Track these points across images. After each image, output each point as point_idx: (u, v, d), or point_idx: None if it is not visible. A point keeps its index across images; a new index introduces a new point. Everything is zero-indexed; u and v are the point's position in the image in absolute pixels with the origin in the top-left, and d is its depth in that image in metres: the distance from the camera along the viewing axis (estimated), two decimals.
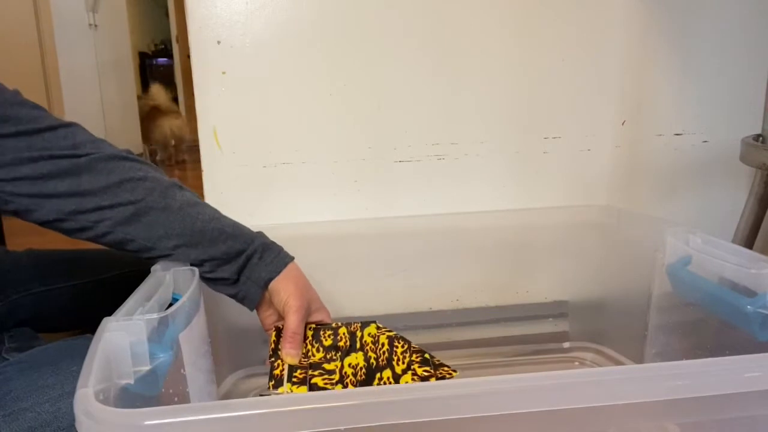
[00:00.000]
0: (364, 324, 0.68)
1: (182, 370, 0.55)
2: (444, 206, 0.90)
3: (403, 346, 0.64)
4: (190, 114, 3.78)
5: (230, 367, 0.85)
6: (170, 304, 0.55)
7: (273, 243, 0.67)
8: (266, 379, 0.75)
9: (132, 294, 0.54)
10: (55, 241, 0.97)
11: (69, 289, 0.92)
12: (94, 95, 2.67)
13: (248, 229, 0.66)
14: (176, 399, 0.53)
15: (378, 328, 0.68)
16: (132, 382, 0.45)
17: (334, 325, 0.69)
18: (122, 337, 0.46)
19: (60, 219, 0.58)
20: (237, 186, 0.87)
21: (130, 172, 0.59)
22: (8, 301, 0.87)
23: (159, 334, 0.50)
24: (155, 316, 0.50)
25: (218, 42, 0.82)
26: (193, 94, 0.84)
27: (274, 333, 0.67)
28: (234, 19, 0.81)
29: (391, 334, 0.67)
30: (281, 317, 0.66)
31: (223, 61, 0.82)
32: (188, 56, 0.84)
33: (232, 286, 0.65)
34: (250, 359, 0.86)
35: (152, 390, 0.48)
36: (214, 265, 0.63)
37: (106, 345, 0.45)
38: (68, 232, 0.59)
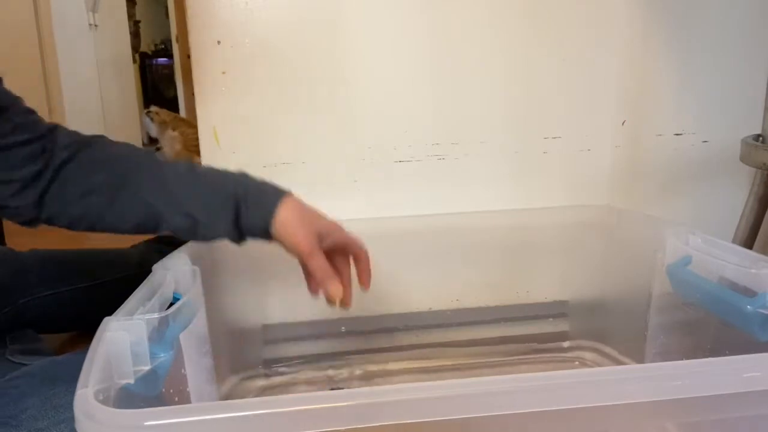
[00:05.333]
0: None
1: (183, 370, 0.55)
2: (444, 206, 0.90)
3: None
4: (190, 114, 3.77)
5: (230, 367, 0.85)
6: (171, 304, 0.55)
7: (257, 180, 0.64)
8: (266, 380, 0.75)
9: (133, 294, 0.54)
10: (57, 241, 0.97)
11: (75, 291, 0.92)
12: (94, 95, 2.67)
13: (227, 173, 0.64)
14: (177, 399, 0.53)
15: None
16: (132, 381, 0.45)
17: None
18: (123, 336, 0.46)
19: (50, 217, 0.60)
20: None
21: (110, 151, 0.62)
22: (16, 305, 0.88)
23: (159, 333, 0.50)
24: (156, 315, 0.50)
25: (218, 42, 0.82)
26: (193, 94, 0.84)
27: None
28: (234, 19, 0.81)
29: None
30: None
31: (223, 61, 0.82)
32: (188, 56, 0.84)
33: (238, 242, 0.64)
34: (250, 359, 0.86)
35: (153, 390, 0.48)
36: (209, 225, 0.61)
37: (107, 345, 0.45)
38: (69, 226, 0.61)
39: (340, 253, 0.66)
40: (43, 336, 0.92)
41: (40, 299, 0.89)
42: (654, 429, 0.47)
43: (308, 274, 0.65)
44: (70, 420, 0.57)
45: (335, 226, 0.66)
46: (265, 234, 0.62)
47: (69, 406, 0.58)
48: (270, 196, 0.63)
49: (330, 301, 0.62)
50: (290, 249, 0.62)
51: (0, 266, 0.90)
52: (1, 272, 0.89)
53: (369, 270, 0.67)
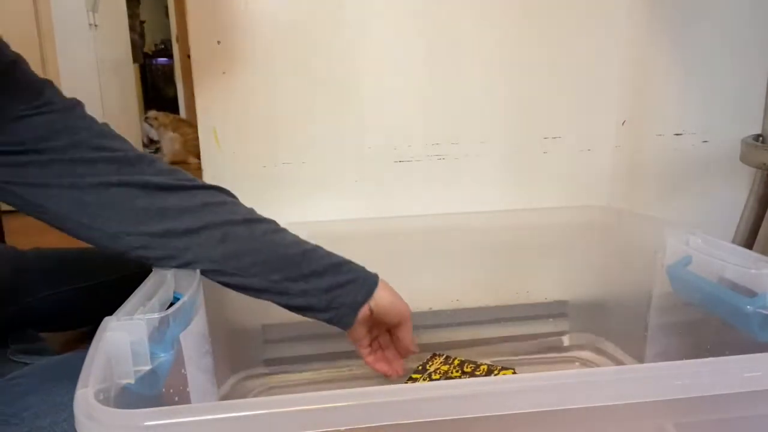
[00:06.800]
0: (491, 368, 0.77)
1: (183, 370, 0.55)
2: (444, 206, 0.90)
3: None
4: (190, 114, 3.77)
5: (230, 367, 0.85)
6: (171, 304, 0.55)
7: (355, 264, 0.68)
8: (266, 378, 0.75)
9: (133, 293, 0.54)
10: (58, 241, 0.97)
11: (78, 291, 0.92)
12: (94, 95, 2.67)
13: (325, 251, 0.67)
14: (177, 399, 0.53)
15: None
16: (132, 381, 0.45)
17: (478, 362, 0.78)
18: (123, 336, 0.46)
19: (145, 246, 0.59)
20: (237, 186, 0.86)
21: (209, 197, 0.62)
22: (20, 304, 0.87)
23: (160, 333, 0.50)
24: (156, 315, 0.50)
25: (218, 42, 0.82)
26: (193, 94, 0.84)
27: None
28: (234, 19, 0.81)
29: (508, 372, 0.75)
30: (370, 328, 0.70)
31: (223, 61, 0.82)
32: (188, 56, 0.84)
33: (323, 312, 0.66)
34: (250, 359, 0.86)
35: (153, 390, 0.48)
36: (303, 292, 0.64)
37: (107, 345, 0.45)
38: (152, 261, 0.60)
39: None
40: (44, 335, 0.92)
41: (41, 299, 0.89)
42: (653, 429, 0.47)
43: (397, 341, 0.72)
44: (72, 418, 0.57)
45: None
46: (353, 311, 0.66)
47: (70, 404, 0.58)
48: (369, 278, 0.68)
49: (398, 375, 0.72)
50: (391, 318, 0.69)
51: (2, 265, 0.90)
52: (3, 271, 0.89)
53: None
